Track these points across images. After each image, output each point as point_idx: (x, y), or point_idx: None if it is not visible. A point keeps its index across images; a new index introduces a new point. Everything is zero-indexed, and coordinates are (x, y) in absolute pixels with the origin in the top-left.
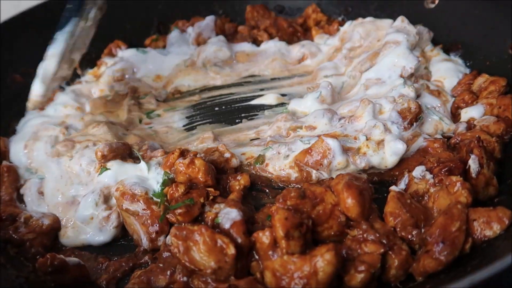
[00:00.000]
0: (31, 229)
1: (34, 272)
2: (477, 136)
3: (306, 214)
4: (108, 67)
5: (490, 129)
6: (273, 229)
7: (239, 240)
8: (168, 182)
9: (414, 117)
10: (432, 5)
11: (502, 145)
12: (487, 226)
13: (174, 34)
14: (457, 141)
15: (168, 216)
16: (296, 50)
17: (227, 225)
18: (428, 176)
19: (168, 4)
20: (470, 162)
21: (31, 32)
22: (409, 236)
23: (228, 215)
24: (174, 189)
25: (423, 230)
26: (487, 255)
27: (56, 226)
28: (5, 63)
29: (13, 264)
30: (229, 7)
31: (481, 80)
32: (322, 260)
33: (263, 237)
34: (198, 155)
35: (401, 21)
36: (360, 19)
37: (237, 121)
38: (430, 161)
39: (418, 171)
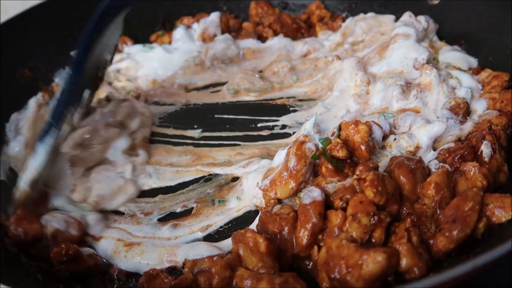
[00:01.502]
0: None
1: (47, 261)
2: (488, 124)
3: (388, 212)
4: (114, 63)
5: (493, 123)
6: (347, 207)
7: (314, 220)
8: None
9: (465, 111)
10: (436, 2)
11: (507, 134)
12: (499, 211)
13: (179, 30)
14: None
15: (317, 161)
16: (300, 46)
17: (307, 201)
18: (445, 166)
19: (173, 1)
20: (483, 147)
21: (39, 28)
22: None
23: (311, 193)
24: (337, 148)
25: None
26: (491, 243)
27: (83, 232)
28: (14, 58)
29: (27, 253)
30: (233, 3)
31: (484, 75)
32: (372, 258)
33: (335, 216)
34: None
35: (409, 16)
36: (361, 15)
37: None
38: (440, 153)
39: (433, 165)
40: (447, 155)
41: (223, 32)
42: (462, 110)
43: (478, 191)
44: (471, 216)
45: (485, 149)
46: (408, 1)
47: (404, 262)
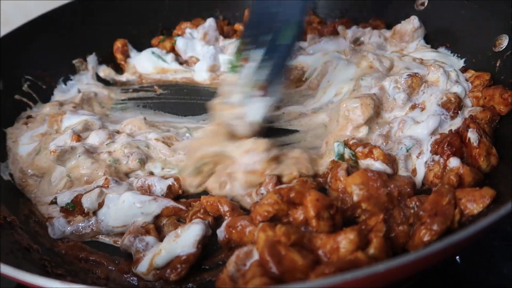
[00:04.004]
0: None
1: (56, 255)
2: (469, 114)
3: (335, 196)
4: None
5: (477, 118)
6: (304, 209)
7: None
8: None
9: (456, 106)
10: (422, 7)
11: (491, 128)
12: (471, 204)
13: (180, 41)
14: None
15: None
16: None
17: None
18: (436, 158)
19: (172, 11)
20: (469, 134)
21: (42, 38)
22: None
23: None
24: None
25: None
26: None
27: None
28: (18, 66)
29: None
30: (229, 12)
31: (468, 75)
32: (345, 238)
33: (297, 214)
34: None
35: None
36: None
37: None
38: (431, 147)
39: (428, 159)
40: (436, 146)
41: None
42: (453, 105)
43: (450, 187)
44: (449, 209)
45: (472, 135)
46: (396, 7)
47: (371, 251)
